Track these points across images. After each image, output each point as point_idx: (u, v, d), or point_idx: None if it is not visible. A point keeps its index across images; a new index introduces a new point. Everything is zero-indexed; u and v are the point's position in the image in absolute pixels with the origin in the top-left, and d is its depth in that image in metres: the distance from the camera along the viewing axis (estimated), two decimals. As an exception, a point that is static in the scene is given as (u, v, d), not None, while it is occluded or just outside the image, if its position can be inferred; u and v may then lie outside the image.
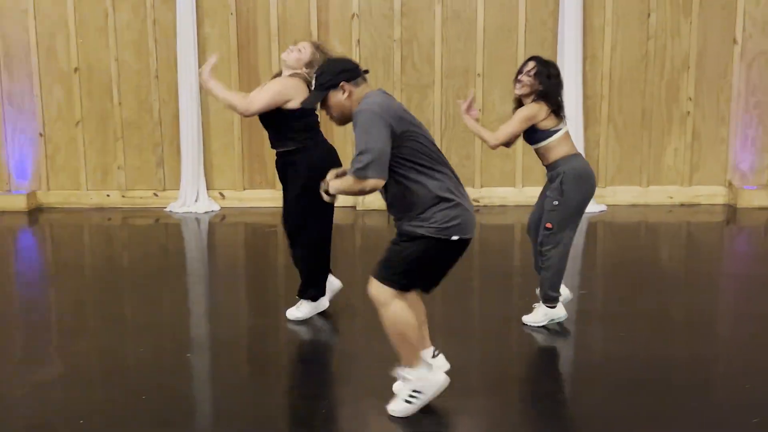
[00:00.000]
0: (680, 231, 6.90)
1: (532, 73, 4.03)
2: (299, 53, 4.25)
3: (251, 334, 4.40)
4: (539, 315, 4.25)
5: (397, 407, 3.18)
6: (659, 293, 4.91)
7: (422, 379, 3.16)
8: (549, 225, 4.09)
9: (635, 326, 4.29)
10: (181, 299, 5.08)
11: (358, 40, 7.41)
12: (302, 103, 3.34)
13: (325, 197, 3.21)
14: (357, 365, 3.86)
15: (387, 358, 3.44)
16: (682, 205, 7.47)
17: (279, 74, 4.40)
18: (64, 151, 7.84)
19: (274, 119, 4.22)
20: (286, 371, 3.93)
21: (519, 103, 4.16)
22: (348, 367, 3.86)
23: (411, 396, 3.17)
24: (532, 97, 4.06)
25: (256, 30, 7.50)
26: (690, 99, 7.30)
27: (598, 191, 7.42)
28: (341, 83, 3.10)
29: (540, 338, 4.18)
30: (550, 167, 4.13)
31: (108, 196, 7.88)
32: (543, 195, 4.25)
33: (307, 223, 4.26)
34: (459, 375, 3.44)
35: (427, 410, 3.24)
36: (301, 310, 4.43)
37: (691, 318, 4.48)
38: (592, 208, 7.27)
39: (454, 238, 3.07)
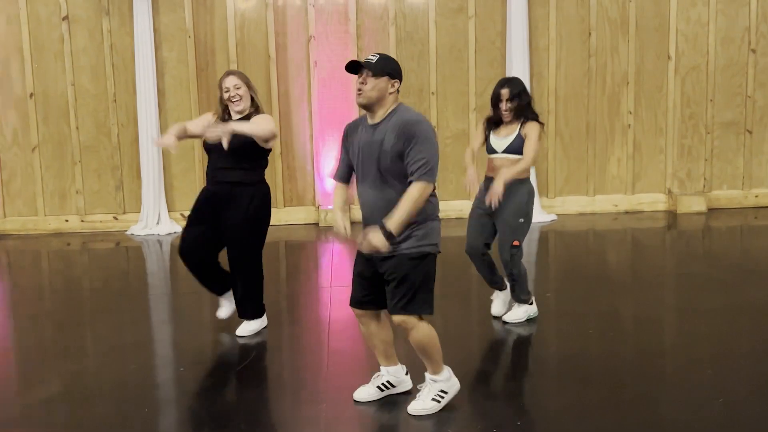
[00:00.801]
0: (626, 237, 7.32)
1: (511, 102, 4.37)
2: (243, 101, 4.35)
3: (236, 348, 4.48)
4: (520, 313, 4.57)
5: (426, 405, 3.43)
6: (610, 294, 5.26)
7: (448, 381, 3.47)
8: (517, 242, 4.40)
9: (589, 324, 4.60)
10: (151, 319, 5.10)
11: (315, 62, 7.63)
12: (365, 63, 3.28)
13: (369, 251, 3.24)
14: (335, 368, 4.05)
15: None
16: (626, 212, 7.91)
17: (221, 115, 4.45)
18: (20, 176, 7.79)
19: (246, 149, 4.29)
20: (282, 381, 4.05)
21: (492, 121, 4.48)
22: (335, 371, 4.05)
23: (439, 395, 3.45)
24: (514, 118, 4.42)
25: (215, 52, 7.65)
26: (630, 112, 7.77)
27: (548, 201, 7.86)
28: (397, 80, 3.31)
29: (510, 337, 4.47)
30: (514, 183, 4.35)
31: (67, 221, 7.85)
32: (476, 215, 4.49)
33: (255, 251, 4.45)
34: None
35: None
36: (252, 326, 4.60)
37: (639, 315, 4.84)
38: (543, 217, 7.65)
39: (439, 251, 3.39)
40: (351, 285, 3.50)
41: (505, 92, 4.39)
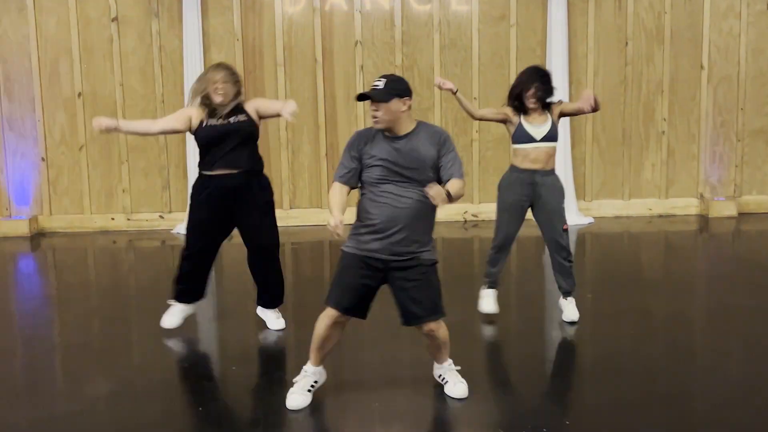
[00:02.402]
0: (660, 239, 7.57)
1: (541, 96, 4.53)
2: (225, 96, 4.40)
3: (281, 347, 4.53)
4: (574, 306, 4.70)
5: (464, 387, 3.65)
6: (644, 294, 5.42)
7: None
8: (566, 226, 4.57)
9: (623, 323, 4.75)
10: (198, 317, 4.95)
11: (362, 66, 7.82)
12: (372, 94, 3.44)
13: (442, 203, 3.41)
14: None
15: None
16: (660, 216, 8.17)
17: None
18: (67, 175, 7.88)
19: (255, 137, 4.44)
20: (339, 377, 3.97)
21: (517, 106, 4.57)
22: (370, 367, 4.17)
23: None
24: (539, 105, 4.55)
25: (262, 56, 7.80)
26: (664, 119, 8.04)
27: (585, 204, 8.09)
28: (407, 97, 3.49)
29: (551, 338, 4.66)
30: (548, 172, 4.55)
31: (113, 219, 7.95)
32: (518, 207, 4.57)
33: (277, 235, 4.55)
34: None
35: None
36: (280, 317, 4.70)
37: (671, 314, 4.97)
38: (581, 220, 7.89)
39: None
40: (335, 288, 3.49)
41: (536, 88, 4.49)
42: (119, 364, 4.21)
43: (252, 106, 4.46)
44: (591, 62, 7.94)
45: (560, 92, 7.72)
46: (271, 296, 4.68)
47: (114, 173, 7.90)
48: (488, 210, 7.96)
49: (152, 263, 6.90)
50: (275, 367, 4.25)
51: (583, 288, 5.51)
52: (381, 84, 3.44)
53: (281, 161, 7.94)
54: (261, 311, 4.72)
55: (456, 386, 3.65)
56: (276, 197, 7.86)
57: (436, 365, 3.76)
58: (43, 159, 7.84)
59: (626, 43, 7.93)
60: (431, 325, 3.50)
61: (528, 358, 4.24)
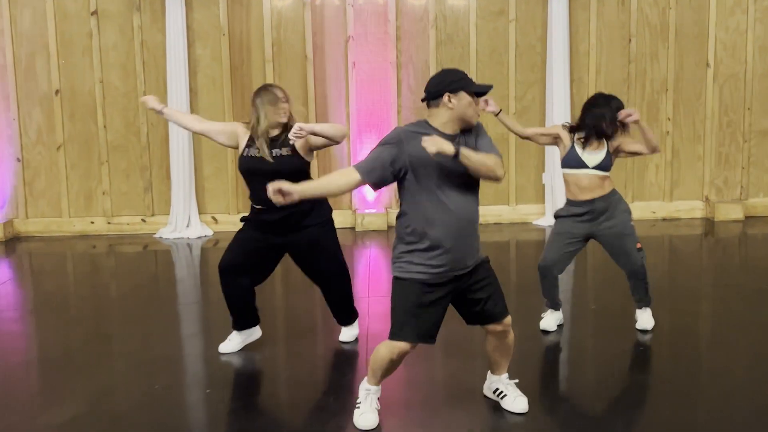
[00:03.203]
0: (664, 244, 7.27)
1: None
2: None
3: (267, 365, 4.18)
4: (649, 315, 4.49)
5: (525, 401, 3.44)
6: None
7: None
8: (639, 245, 4.29)
9: (626, 334, 4.47)
10: (180, 330, 4.76)
11: (354, 63, 7.47)
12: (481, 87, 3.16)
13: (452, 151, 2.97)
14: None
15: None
16: (664, 219, 7.88)
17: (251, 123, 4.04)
18: (44, 176, 7.50)
19: (305, 174, 3.97)
20: (319, 403, 3.69)
21: (575, 132, 4.27)
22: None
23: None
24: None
25: (250, 51, 7.45)
26: (669, 119, 7.75)
27: (587, 208, 7.79)
28: (457, 89, 3.12)
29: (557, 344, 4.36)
30: (605, 198, 4.23)
31: (92, 222, 7.57)
32: (567, 240, 4.28)
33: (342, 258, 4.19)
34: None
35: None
36: (352, 332, 4.39)
37: (675, 323, 4.71)
38: (582, 224, 7.59)
39: None
40: (409, 321, 3.12)
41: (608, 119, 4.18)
42: (88, 386, 3.86)
43: (303, 140, 3.94)
44: (593, 60, 7.63)
45: (561, 92, 7.46)
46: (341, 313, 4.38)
47: (94, 174, 7.52)
48: (488, 213, 7.65)
49: (134, 269, 6.52)
50: (252, 392, 3.87)
51: (586, 298, 5.24)
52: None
53: (270, 162, 7.57)
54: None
55: (516, 400, 3.41)
56: None
57: (491, 379, 3.49)
58: (18, 159, 7.45)
59: (629, 39, 7.62)
60: (509, 320, 3.33)
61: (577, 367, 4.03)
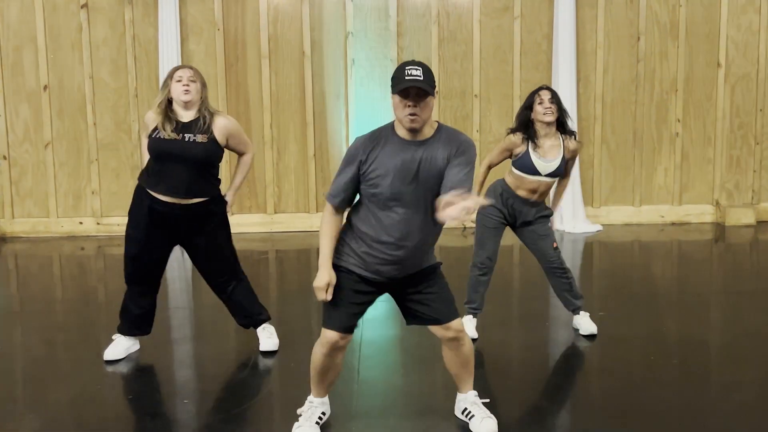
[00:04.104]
0: (672, 249, 7.03)
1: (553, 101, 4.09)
2: (192, 93, 3.86)
3: (255, 373, 3.99)
4: (588, 319, 4.37)
5: (493, 423, 3.17)
6: (656, 308, 4.96)
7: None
8: (556, 244, 4.24)
9: (632, 343, 4.31)
10: (169, 336, 4.54)
11: (353, 60, 7.22)
12: (425, 88, 2.86)
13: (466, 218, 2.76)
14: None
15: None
16: (673, 224, 7.63)
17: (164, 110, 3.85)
18: (31, 175, 7.24)
19: (216, 163, 3.91)
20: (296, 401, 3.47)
21: (525, 136, 4.10)
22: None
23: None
24: (553, 126, 4.10)
25: (245, 47, 7.19)
26: (678, 120, 7.50)
27: (593, 211, 7.56)
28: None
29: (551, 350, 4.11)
30: (538, 203, 4.21)
31: (81, 223, 7.31)
32: (496, 225, 4.23)
33: (237, 262, 4.11)
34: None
35: None
36: (274, 335, 4.17)
37: (684, 332, 4.54)
38: (589, 227, 7.34)
39: None
40: (329, 309, 3.03)
41: (546, 93, 4.07)
42: (55, 396, 3.63)
43: (224, 129, 3.87)
44: (600, 58, 7.38)
45: (567, 90, 7.21)
46: (243, 318, 4.18)
47: (83, 173, 7.26)
48: (489, 216, 7.40)
49: (123, 272, 6.26)
50: (234, 403, 3.61)
51: (591, 301, 4.98)
52: (420, 72, 2.79)
53: (265, 162, 7.32)
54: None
55: (483, 422, 3.15)
56: (260, 201, 7.45)
57: (459, 398, 3.26)
58: (4, 157, 7.19)
59: (638, 38, 7.37)
60: (459, 325, 3.08)
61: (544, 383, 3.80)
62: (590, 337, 4.32)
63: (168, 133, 3.74)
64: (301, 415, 3.18)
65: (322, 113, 7.30)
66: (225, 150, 3.94)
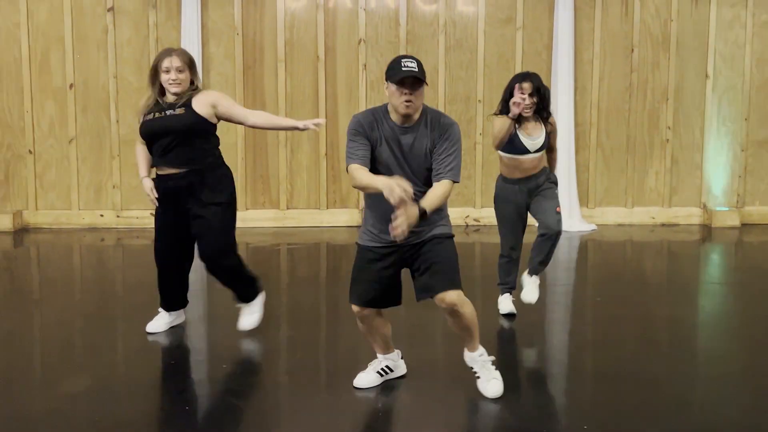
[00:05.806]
0: (662, 248, 7.45)
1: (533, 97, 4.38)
2: (182, 85, 4.13)
3: (275, 348, 4.30)
4: (536, 286, 4.60)
5: (499, 384, 3.40)
6: (644, 300, 5.28)
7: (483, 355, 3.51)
8: (559, 209, 4.50)
9: (624, 330, 4.59)
10: (187, 315, 4.66)
11: (365, 65, 7.63)
12: (421, 77, 3.17)
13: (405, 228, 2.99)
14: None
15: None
16: (662, 225, 8.07)
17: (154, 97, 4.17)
18: (55, 168, 7.57)
19: (201, 132, 4.07)
20: (330, 382, 3.77)
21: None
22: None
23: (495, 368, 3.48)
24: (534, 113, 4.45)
25: (263, 51, 7.58)
26: (669, 128, 7.96)
27: (588, 211, 7.97)
28: None
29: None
30: (540, 173, 4.53)
31: (102, 216, 7.64)
32: (516, 216, 4.54)
33: (233, 237, 4.19)
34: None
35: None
36: (256, 313, 4.33)
37: (672, 322, 4.84)
38: (584, 227, 7.76)
39: None
40: (351, 286, 3.37)
41: (527, 86, 4.33)
42: (100, 361, 3.95)
43: (206, 101, 4.08)
44: (596, 68, 7.84)
45: (566, 99, 7.66)
46: (234, 293, 4.37)
47: (104, 168, 7.60)
48: (490, 215, 7.77)
49: (141, 262, 6.52)
50: (268, 367, 3.98)
51: (587, 289, 5.38)
52: (414, 65, 3.18)
53: (279, 160, 7.70)
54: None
55: (489, 383, 3.40)
56: (273, 197, 7.80)
57: (466, 353, 3.46)
58: (30, 151, 7.52)
59: (632, 50, 7.84)
60: (453, 298, 3.19)
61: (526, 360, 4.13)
62: (528, 306, 4.64)
63: (153, 115, 4.08)
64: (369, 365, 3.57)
65: (335, 115, 7.69)
66: (216, 121, 4.13)
